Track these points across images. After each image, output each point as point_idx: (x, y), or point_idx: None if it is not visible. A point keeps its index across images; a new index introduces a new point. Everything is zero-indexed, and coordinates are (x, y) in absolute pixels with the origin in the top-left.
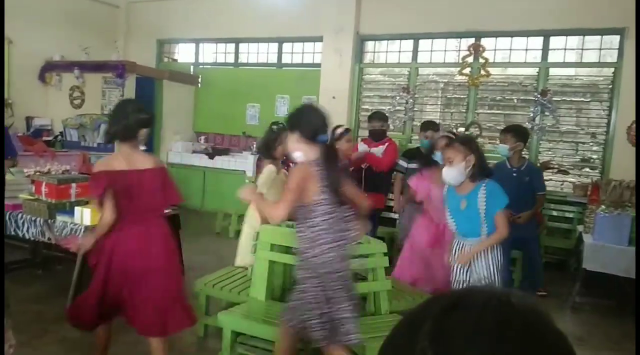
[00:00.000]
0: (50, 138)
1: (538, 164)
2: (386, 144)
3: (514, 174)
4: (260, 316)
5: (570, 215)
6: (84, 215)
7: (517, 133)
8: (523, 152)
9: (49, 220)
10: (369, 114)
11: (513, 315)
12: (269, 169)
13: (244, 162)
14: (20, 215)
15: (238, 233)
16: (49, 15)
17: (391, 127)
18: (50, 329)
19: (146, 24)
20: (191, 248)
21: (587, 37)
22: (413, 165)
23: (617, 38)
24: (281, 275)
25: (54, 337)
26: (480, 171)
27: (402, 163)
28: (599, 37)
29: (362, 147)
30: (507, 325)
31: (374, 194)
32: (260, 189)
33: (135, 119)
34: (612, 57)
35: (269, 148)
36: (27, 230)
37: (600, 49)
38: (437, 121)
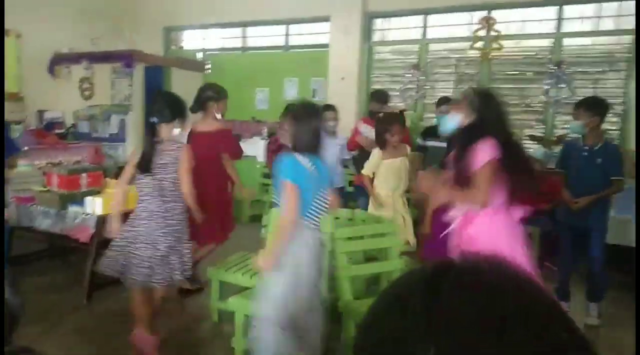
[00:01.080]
0: (62, 130)
1: (553, 138)
2: None
3: (584, 154)
4: None
5: None
6: (95, 205)
7: (590, 106)
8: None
9: (61, 211)
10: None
11: (509, 289)
12: (375, 153)
13: (255, 147)
14: (33, 207)
15: (251, 219)
16: (55, 7)
17: (403, 106)
18: (67, 318)
19: (152, 13)
20: None
21: (604, 4)
22: (431, 143)
23: (634, 2)
24: None
25: (70, 326)
26: (297, 144)
27: (419, 141)
28: (616, 3)
29: (361, 126)
30: (505, 296)
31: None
32: (365, 171)
33: (203, 95)
34: (630, 23)
35: (381, 139)
36: (42, 222)
37: (618, 16)
38: (450, 98)
